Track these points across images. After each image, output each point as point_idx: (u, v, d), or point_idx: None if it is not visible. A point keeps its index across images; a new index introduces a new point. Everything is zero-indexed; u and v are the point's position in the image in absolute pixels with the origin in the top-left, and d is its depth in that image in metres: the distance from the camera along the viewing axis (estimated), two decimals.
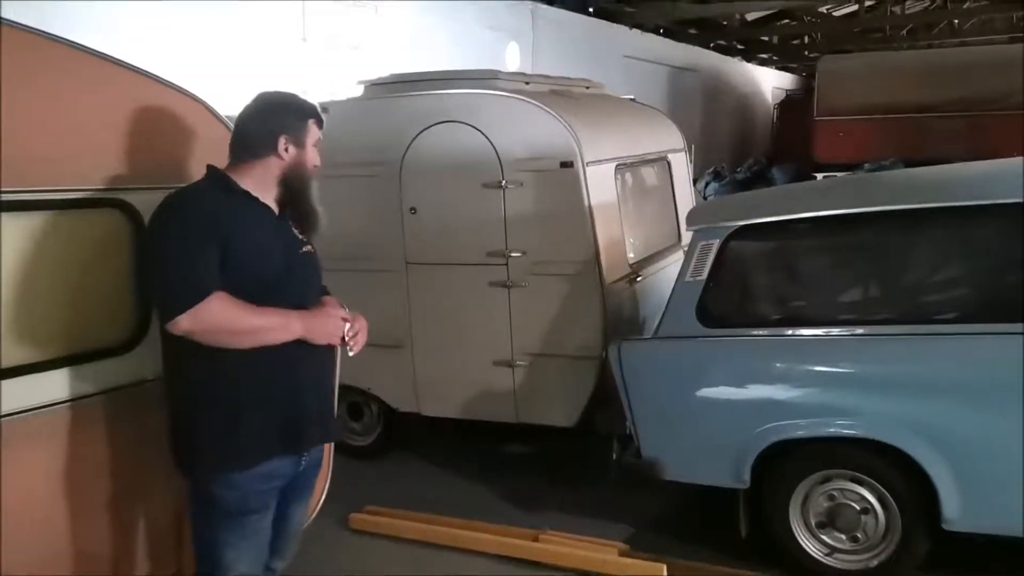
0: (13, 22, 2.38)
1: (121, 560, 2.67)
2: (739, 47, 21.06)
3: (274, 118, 2.51)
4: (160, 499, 2.75)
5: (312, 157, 2.55)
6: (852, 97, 14.93)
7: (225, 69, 7.07)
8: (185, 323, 2.29)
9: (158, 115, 2.71)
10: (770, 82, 23.44)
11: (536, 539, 4.05)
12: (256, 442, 2.40)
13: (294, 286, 2.48)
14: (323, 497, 3.10)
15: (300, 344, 2.44)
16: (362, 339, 2.58)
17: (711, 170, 14.41)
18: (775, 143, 20.81)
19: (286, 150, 2.49)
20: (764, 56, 22.66)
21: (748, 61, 22.06)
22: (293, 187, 2.51)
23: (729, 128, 20.17)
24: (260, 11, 7.76)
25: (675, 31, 17.35)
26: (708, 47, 19.25)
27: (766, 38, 20.65)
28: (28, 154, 2.36)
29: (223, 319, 2.31)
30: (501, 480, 4.89)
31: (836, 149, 14.69)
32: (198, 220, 2.34)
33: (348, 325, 2.52)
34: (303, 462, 2.55)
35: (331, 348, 2.57)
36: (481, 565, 3.97)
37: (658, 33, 16.61)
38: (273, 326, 2.38)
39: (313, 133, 2.55)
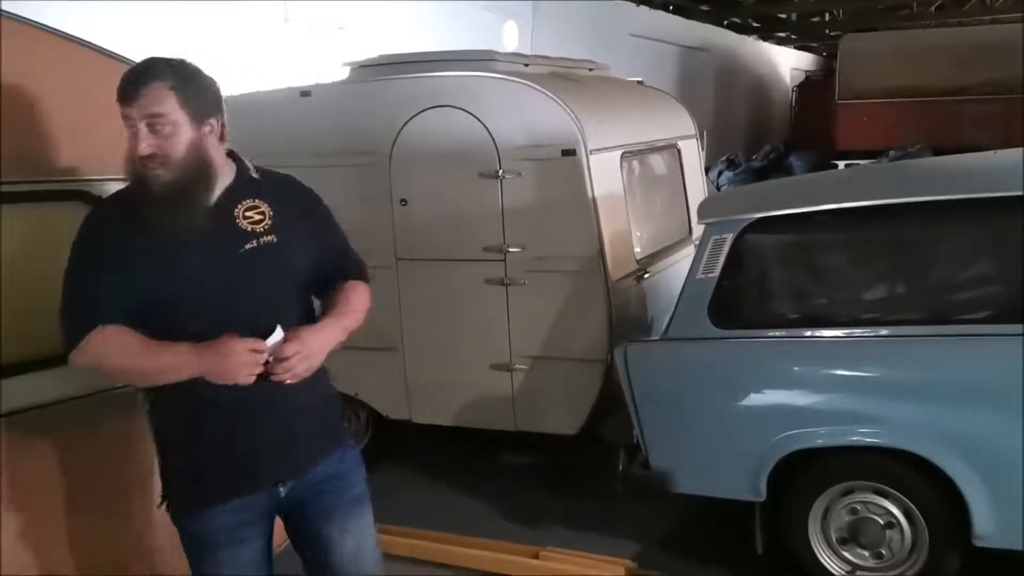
0: None
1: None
2: (755, 25, 21.07)
3: None
4: (134, 513, 2.75)
5: (129, 143, 2.18)
6: (877, 79, 14.95)
7: (202, 51, 7.06)
8: (75, 360, 2.19)
9: None
10: (788, 63, 23.46)
11: (536, 556, 4.05)
12: (204, 488, 2.33)
13: (231, 289, 2.26)
14: None
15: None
16: (298, 368, 2.24)
17: (724, 158, 14.42)
18: (794, 128, 20.84)
19: None
20: (782, 35, 22.69)
21: (765, 40, 22.08)
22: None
23: (744, 112, 20.19)
24: None
25: (686, 8, 17.36)
26: (722, 25, 19.26)
27: (784, 15, 20.65)
28: None
29: (108, 359, 2.20)
30: (499, 493, 4.89)
31: (859, 135, 14.73)
32: (96, 238, 2.23)
33: (262, 356, 2.19)
34: (281, 491, 2.40)
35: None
36: None
37: (667, 10, 16.61)
38: (164, 368, 2.19)
39: (121, 114, 2.17)
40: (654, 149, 5.52)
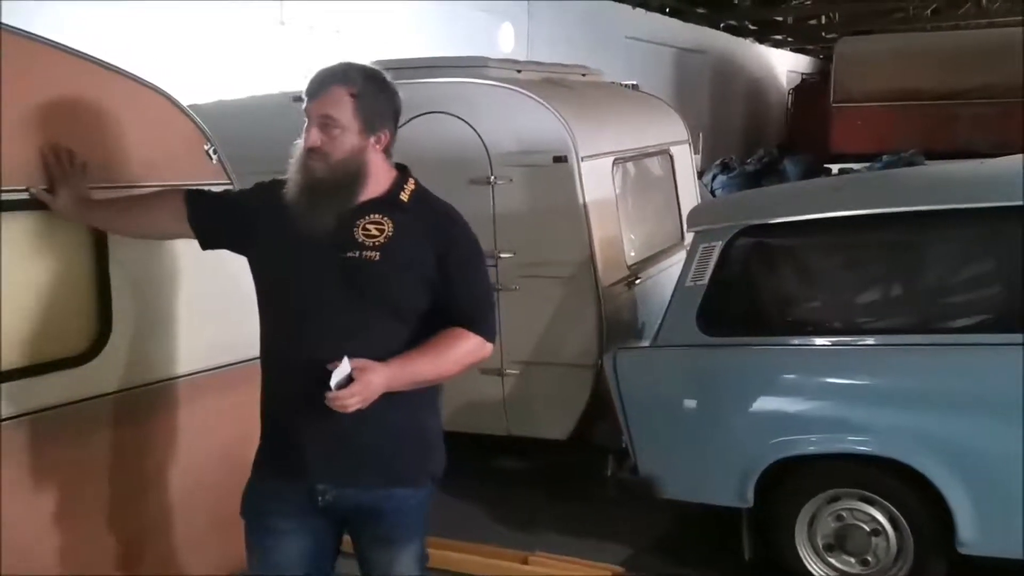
0: None
1: None
2: (751, 27, 21.09)
3: None
4: (116, 521, 2.77)
5: (304, 133, 2.31)
6: (872, 82, 14.94)
7: (196, 55, 7.08)
8: None
9: (114, 107, 2.69)
10: (784, 65, 23.46)
11: (525, 561, 4.06)
12: (256, 463, 2.47)
13: (312, 285, 2.29)
14: None
15: (293, 368, 2.31)
16: (350, 408, 2.16)
17: (719, 161, 14.42)
18: (789, 131, 20.85)
19: None
20: (778, 37, 22.68)
21: (761, 42, 22.09)
22: None
23: (740, 115, 20.21)
24: None
25: (682, 10, 17.36)
26: (718, 27, 19.28)
27: (780, 18, 20.67)
28: None
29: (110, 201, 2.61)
30: (489, 497, 4.90)
31: (855, 138, 14.71)
32: (251, 188, 2.51)
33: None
34: (321, 500, 2.37)
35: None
36: None
37: (663, 12, 16.61)
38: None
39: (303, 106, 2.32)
40: (646, 155, 5.54)
